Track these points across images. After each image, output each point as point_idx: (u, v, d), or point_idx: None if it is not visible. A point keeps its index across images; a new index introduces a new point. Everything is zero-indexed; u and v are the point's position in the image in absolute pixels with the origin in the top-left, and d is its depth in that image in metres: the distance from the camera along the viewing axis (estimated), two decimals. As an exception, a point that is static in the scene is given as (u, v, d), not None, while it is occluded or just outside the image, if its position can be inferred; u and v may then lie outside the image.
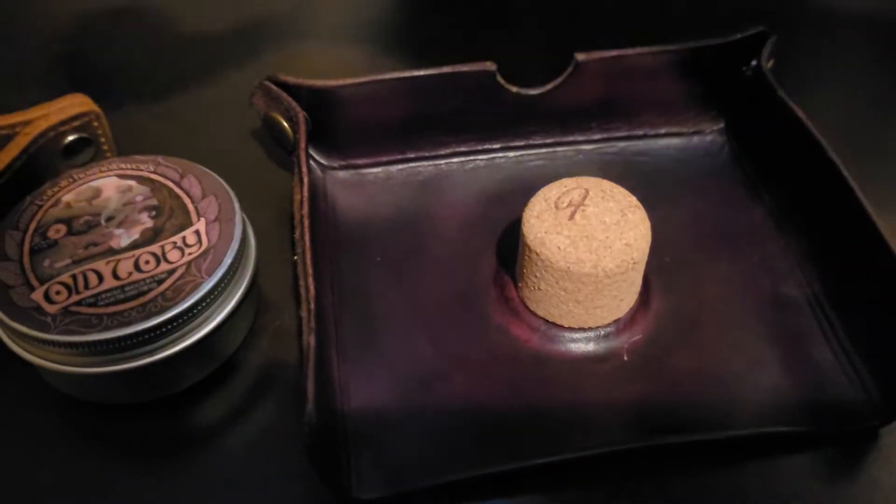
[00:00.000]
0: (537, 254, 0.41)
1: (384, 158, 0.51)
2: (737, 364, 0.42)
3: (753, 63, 0.50)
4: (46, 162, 0.46)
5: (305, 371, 0.36)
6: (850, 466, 0.40)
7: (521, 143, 0.52)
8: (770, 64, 0.50)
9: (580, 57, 0.49)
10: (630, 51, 0.50)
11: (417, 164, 0.52)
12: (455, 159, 0.52)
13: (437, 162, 0.52)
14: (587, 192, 0.43)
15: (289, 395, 0.42)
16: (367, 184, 0.51)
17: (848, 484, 0.39)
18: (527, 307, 0.44)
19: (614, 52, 0.50)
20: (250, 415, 0.41)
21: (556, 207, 0.43)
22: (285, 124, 0.48)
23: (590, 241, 0.41)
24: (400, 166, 0.51)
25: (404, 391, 0.42)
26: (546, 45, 0.59)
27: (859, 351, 0.42)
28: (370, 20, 0.65)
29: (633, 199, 0.43)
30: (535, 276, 0.42)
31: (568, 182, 0.44)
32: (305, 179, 0.44)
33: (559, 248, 0.41)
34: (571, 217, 0.42)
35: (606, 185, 0.44)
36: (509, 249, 0.47)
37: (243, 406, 0.42)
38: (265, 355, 0.43)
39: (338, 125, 0.50)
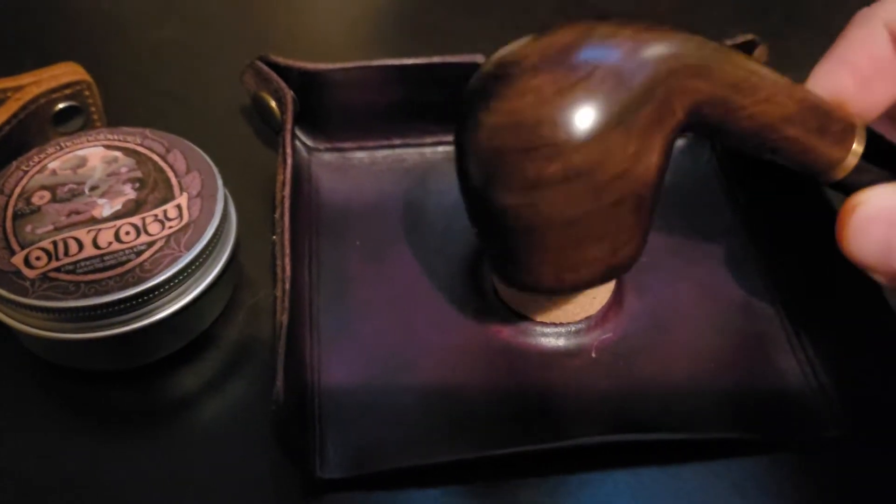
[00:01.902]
0: (513, 248, 0.42)
1: (370, 143, 0.52)
2: (703, 367, 0.43)
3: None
4: (36, 128, 0.46)
5: (276, 349, 0.37)
6: (808, 474, 0.40)
7: (506, 136, 0.52)
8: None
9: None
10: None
11: (402, 150, 0.52)
12: (440, 148, 0.52)
13: (422, 150, 0.52)
14: (566, 189, 0.44)
15: (262, 371, 0.42)
16: (352, 167, 0.51)
17: (805, 492, 0.40)
18: (501, 300, 0.45)
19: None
20: (223, 388, 0.42)
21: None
22: (273, 104, 0.49)
23: None
24: (385, 152, 0.52)
25: (376, 375, 0.42)
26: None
27: (823, 361, 0.43)
28: (366, 4, 0.65)
29: (611, 199, 0.44)
30: (510, 269, 0.43)
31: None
32: (289, 161, 0.44)
33: None
34: None
35: (586, 184, 0.44)
36: (487, 241, 0.47)
37: (216, 379, 0.42)
38: (241, 331, 0.44)
39: (326, 108, 0.50)
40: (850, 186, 0.38)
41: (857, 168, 0.38)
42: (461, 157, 0.37)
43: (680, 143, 0.53)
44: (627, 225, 0.37)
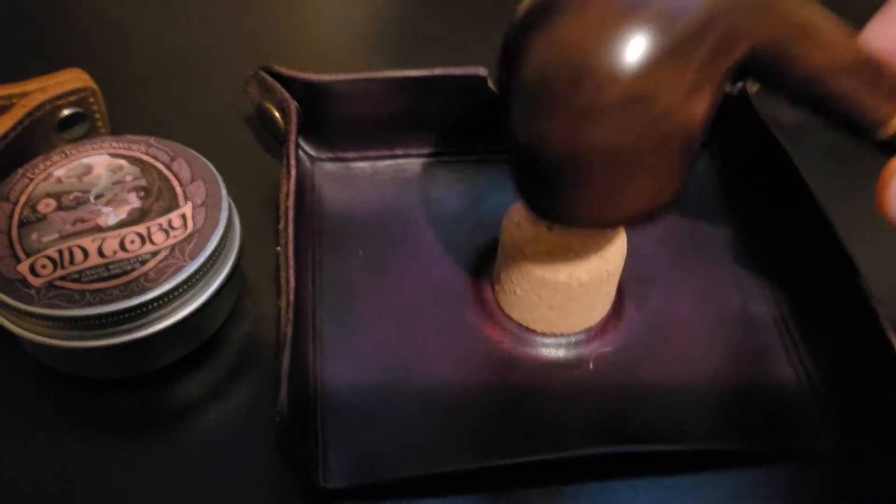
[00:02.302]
0: (514, 261, 0.42)
1: (372, 153, 0.52)
2: (702, 378, 0.44)
3: (739, 85, 0.51)
4: (41, 135, 0.46)
5: (280, 361, 0.37)
6: (806, 485, 0.41)
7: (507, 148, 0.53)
8: (756, 88, 0.51)
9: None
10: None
11: (405, 160, 0.52)
12: (442, 158, 0.53)
13: (424, 160, 0.52)
14: (568, 203, 0.44)
15: (265, 379, 0.43)
16: (354, 177, 0.52)
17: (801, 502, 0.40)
18: (501, 309, 0.45)
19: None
20: (225, 397, 0.42)
21: (537, 217, 0.44)
22: (277, 115, 0.49)
23: (566, 253, 0.42)
24: (387, 162, 0.52)
25: (378, 384, 0.42)
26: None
27: (820, 370, 0.43)
28: (369, 15, 0.65)
29: (611, 212, 0.44)
30: (512, 280, 0.43)
31: (549, 191, 0.45)
32: (293, 172, 0.45)
33: (536, 256, 0.42)
34: (550, 228, 0.43)
35: (586, 197, 0.45)
36: (488, 251, 0.48)
37: (219, 388, 0.43)
38: (244, 339, 0.44)
39: (329, 118, 0.51)
40: None
41: None
42: (508, 86, 0.36)
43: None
44: (672, 164, 0.36)
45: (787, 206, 0.47)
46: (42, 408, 0.42)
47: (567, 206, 0.37)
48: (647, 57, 0.32)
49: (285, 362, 0.37)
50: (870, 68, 0.37)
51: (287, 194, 0.44)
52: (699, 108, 0.34)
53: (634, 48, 0.32)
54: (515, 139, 0.36)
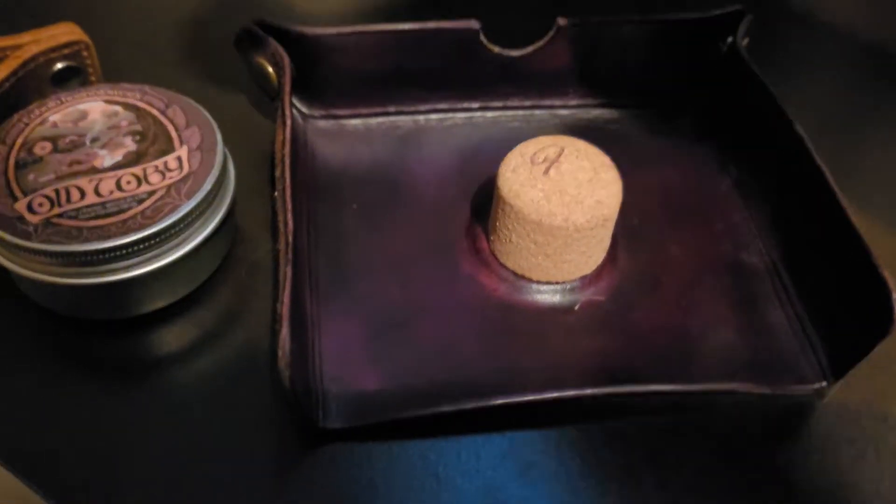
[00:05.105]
0: (511, 206, 0.43)
1: (364, 111, 0.52)
2: (694, 323, 0.44)
3: (729, 40, 0.52)
4: (34, 88, 0.46)
5: (281, 299, 0.37)
6: (795, 426, 0.41)
7: (499, 104, 0.53)
8: (745, 42, 0.51)
9: (561, 21, 0.50)
10: (610, 19, 0.51)
11: (397, 118, 0.53)
12: (434, 115, 0.53)
13: (416, 117, 0.53)
14: (562, 149, 0.44)
15: (259, 323, 0.43)
16: (347, 134, 0.52)
17: (790, 442, 0.41)
18: (497, 259, 0.46)
19: (595, 19, 0.51)
20: (220, 341, 0.42)
21: (532, 163, 0.44)
22: (270, 69, 0.49)
23: (562, 196, 0.42)
24: (380, 119, 0.52)
25: (374, 332, 0.43)
26: (532, 9, 0.60)
27: (811, 316, 0.44)
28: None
29: (607, 158, 0.44)
30: (508, 228, 0.44)
31: (544, 139, 0.45)
32: (288, 122, 0.45)
33: (532, 200, 0.42)
34: (546, 172, 0.43)
35: (581, 144, 0.45)
36: (482, 204, 0.48)
37: (214, 332, 0.43)
38: (237, 286, 0.44)
39: (321, 74, 0.51)
40: None
41: None
42: None
43: (673, 113, 0.54)
44: None
45: (778, 157, 0.47)
46: (37, 349, 0.42)
47: None
48: None
49: (286, 300, 0.37)
50: None
51: (283, 142, 0.44)
52: None
53: None
54: None
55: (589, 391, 0.40)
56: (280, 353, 0.35)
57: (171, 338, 0.42)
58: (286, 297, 0.37)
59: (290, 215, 0.40)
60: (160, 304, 0.42)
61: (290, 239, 0.39)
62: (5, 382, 0.40)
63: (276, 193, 0.42)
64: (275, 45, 0.49)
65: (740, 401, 0.41)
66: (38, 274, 0.38)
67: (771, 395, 0.41)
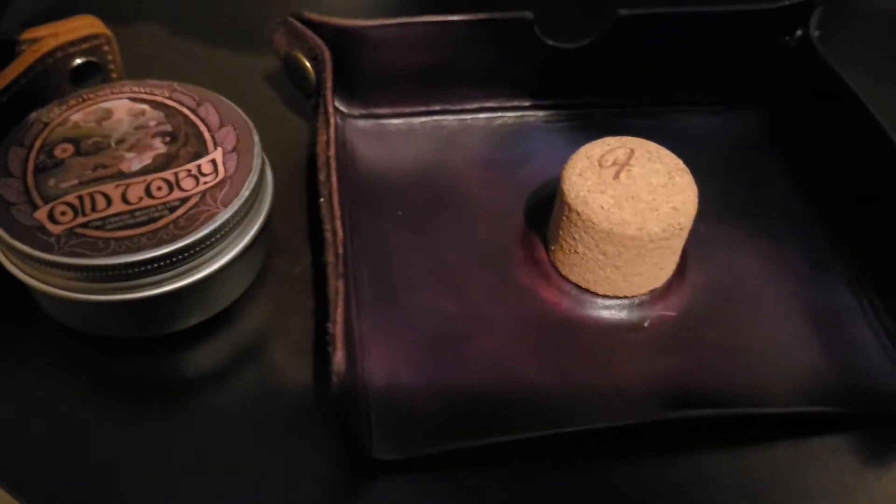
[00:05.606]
0: (578, 213, 0.39)
1: (407, 109, 0.49)
2: (772, 341, 0.41)
3: (798, 33, 0.48)
4: (52, 83, 0.43)
5: (333, 318, 0.33)
6: (884, 450, 0.38)
7: (552, 102, 0.49)
8: (817, 34, 0.48)
9: (622, 12, 0.47)
10: (673, 9, 0.47)
11: (441, 117, 0.49)
12: (482, 115, 0.49)
13: (463, 116, 0.49)
14: (632, 151, 0.41)
15: (298, 343, 0.39)
16: (388, 135, 0.48)
17: (880, 468, 0.37)
18: (557, 271, 0.42)
19: (655, 11, 0.47)
20: (256, 362, 0.39)
21: (600, 166, 0.40)
22: (308, 64, 0.46)
23: (635, 203, 0.39)
24: (423, 119, 0.49)
25: (425, 350, 0.39)
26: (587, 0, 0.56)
27: None
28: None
29: (680, 162, 0.41)
30: (573, 238, 0.40)
31: (611, 140, 0.41)
32: (332, 119, 0.41)
33: (602, 207, 0.39)
34: (616, 176, 0.40)
35: (651, 146, 0.41)
36: (537, 210, 0.45)
37: (249, 352, 0.40)
38: (275, 301, 0.41)
39: (361, 71, 0.47)
40: None
41: None
42: None
43: (741, 111, 0.50)
44: None
45: (861, 159, 0.44)
46: (59, 371, 0.38)
47: None
48: None
49: (339, 319, 0.33)
50: None
51: (327, 143, 0.40)
52: None
53: None
54: None
55: (661, 417, 0.37)
56: (335, 378, 0.32)
57: (204, 358, 0.39)
58: (339, 316, 0.33)
59: (338, 223, 0.37)
60: (193, 321, 0.38)
61: (341, 250, 0.36)
62: (30, 409, 0.37)
63: (321, 200, 0.38)
64: (313, 38, 0.45)
65: (822, 423, 0.38)
66: (59, 290, 0.35)
67: (855, 416, 0.38)
